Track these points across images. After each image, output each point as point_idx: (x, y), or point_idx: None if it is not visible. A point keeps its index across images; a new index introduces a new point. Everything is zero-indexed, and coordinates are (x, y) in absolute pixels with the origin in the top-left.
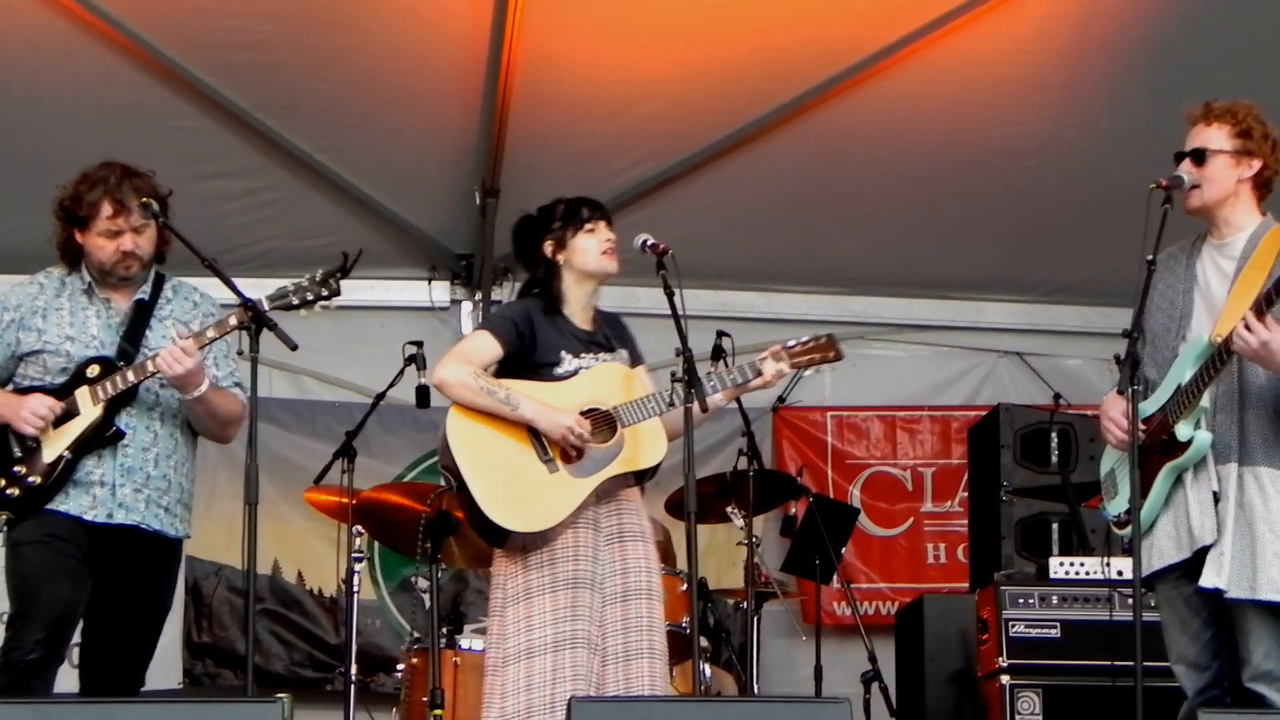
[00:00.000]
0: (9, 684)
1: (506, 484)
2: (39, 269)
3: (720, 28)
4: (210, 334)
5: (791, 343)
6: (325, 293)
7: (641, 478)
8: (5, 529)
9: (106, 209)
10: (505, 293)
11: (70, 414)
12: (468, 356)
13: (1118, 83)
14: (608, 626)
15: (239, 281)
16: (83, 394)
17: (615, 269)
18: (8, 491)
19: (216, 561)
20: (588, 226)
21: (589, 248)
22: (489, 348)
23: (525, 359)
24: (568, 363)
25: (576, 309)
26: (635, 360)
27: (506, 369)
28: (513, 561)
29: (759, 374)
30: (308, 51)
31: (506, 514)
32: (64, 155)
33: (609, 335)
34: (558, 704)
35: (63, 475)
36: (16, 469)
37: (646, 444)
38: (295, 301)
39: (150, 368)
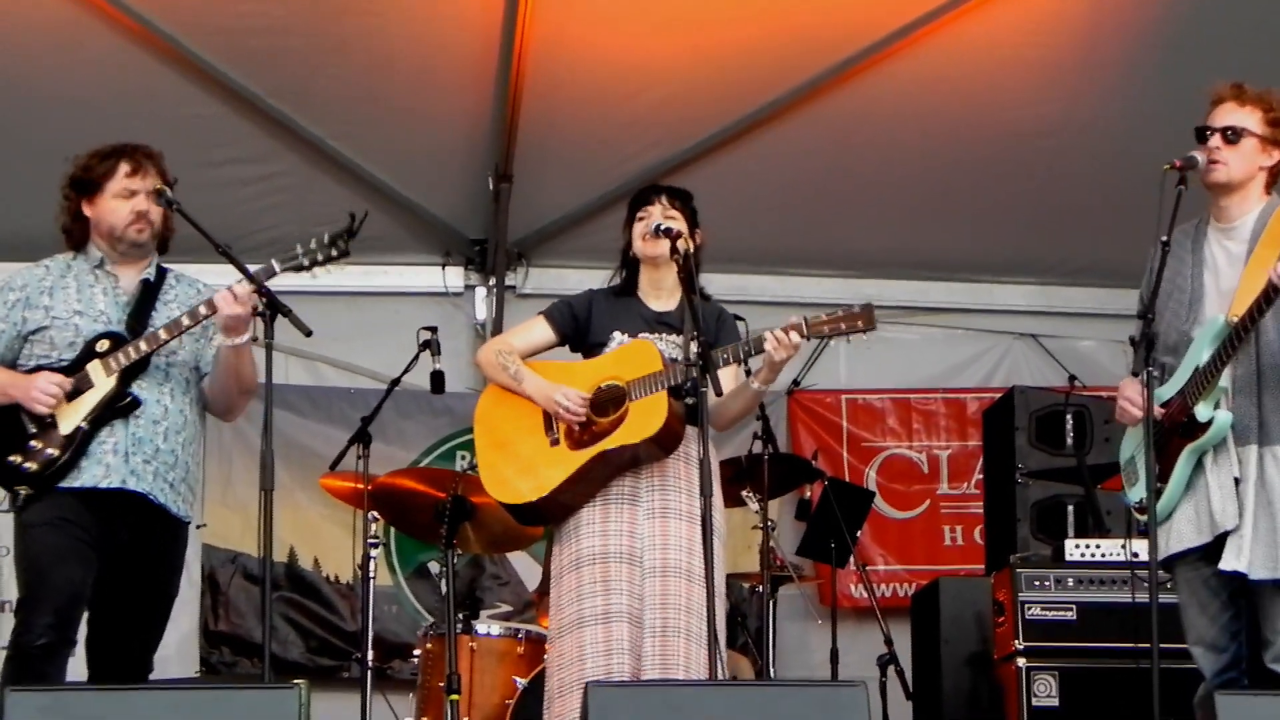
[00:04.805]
0: (20, 670)
1: (508, 458)
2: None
3: (733, 11)
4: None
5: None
6: (334, 253)
7: (662, 451)
8: (21, 507)
9: (125, 167)
10: (519, 278)
11: (82, 389)
12: (508, 337)
13: (1132, 64)
14: (646, 600)
15: (251, 267)
16: (94, 367)
17: (657, 252)
18: (24, 466)
19: (233, 549)
20: (639, 214)
21: (636, 234)
22: (538, 331)
23: (583, 340)
24: (617, 341)
25: (650, 291)
26: (716, 349)
27: (576, 350)
28: (555, 538)
29: (760, 350)
30: (320, 37)
31: (499, 486)
32: (77, 142)
33: (694, 321)
34: (587, 680)
35: (80, 446)
36: (32, 444)
37: (641, 418)
38: (305, 263)
39: (163, 335)
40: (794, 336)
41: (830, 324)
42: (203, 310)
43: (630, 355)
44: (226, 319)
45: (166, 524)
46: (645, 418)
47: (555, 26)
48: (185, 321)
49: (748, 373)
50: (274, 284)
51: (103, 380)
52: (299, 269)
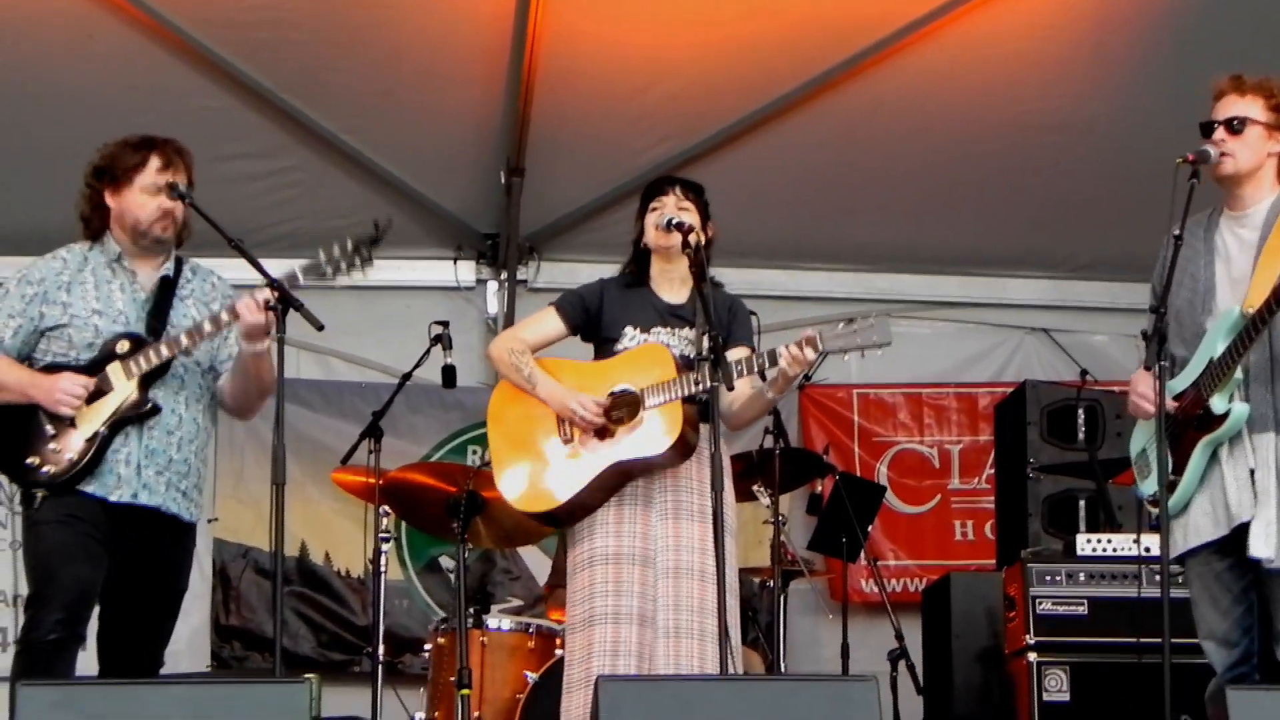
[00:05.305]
0: (30, 666)
1: (522, 460)
2: None
3: (743, 5)
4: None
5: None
6: (358, 260)
7: (678, 459)
8: (35, 507)
9: (156, 162)
10: (531, 272)
11: (101, 391)
12: (520, 331)
13: (1142, 57)
14: (658, 601)
15: (263, 261)
16: (115, 370)
17: (669, 244)
18: (44, 469)
19: (244, 544)
20: (652, 205)
21: (649, 225)
22: (550, 324)
23: (594, 333)
24: (630, 337)
25: (662, 282)
26: (729, 341)
27: (587, 340)
28: (570, 536)
29: (775, 364)
30: (332, 30)
31: (514, 489)
32: (89, 137)
33: (706, 315)
34: (592, 679)
35: (99, 452)
36: (51, 445)
37: (657, 429)
38: (329, 271)
39: (185, 342)
40: (808, 352)
41: (845, 338)
42: (225, 316)
43: (643, 359)
44: (249, 326)
45: (177, 530)
46: (661, 429)
47: (566, 20)
48: (207, 328)
49: (762, 377)
50: (282, 275)
51: (123, 384)
52: (322, 277)
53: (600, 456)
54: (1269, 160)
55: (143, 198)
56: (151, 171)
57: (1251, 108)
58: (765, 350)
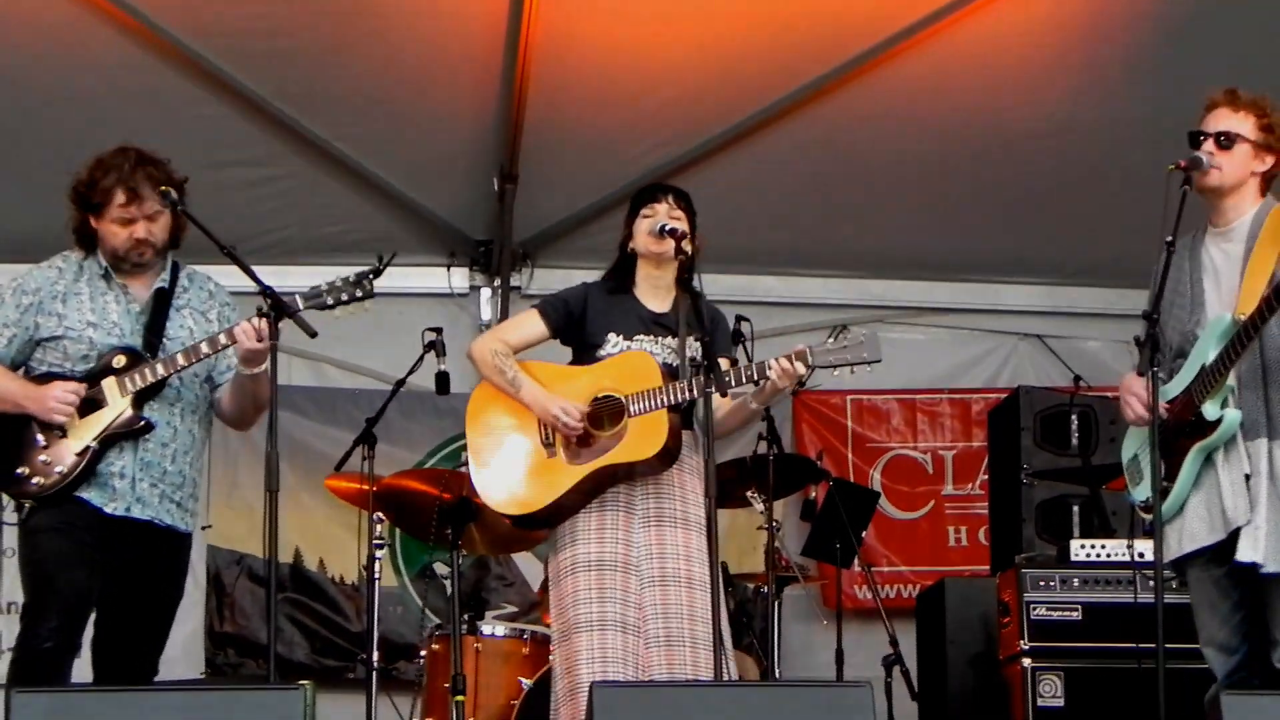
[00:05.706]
0: (26, 673)
1: (503, 464)
2: None
3: (738, 10)
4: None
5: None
6: (359, 293)
7: (661, 466)
8: (24, 516)
9: (119, 197)
10: (524, 278)
11: (95, 404)
12: (502, 333)
13: (1135, 64)
14: (646, 610)
15: (257, 269)
16: (110, 385)
17: (662, 250)
18: (34, 480)
19: (238, 551)
20: (644, 211)
21: (641, 231)
22: (532, 327)
23: (575, 338)
24: (612, 344)
25: (646, 290)
26: (715, 350)
27: (567, 344)
28: (552, 542)
29: (764, 377)
30: (325, 38)
31: (493, 493)
32: (83, 143)
33: (690, 320)
34: (580, 688)
35: (89, 466)
36: (43, 457)
37: (641, 436)
38: (329, 301)
39: (181, 361)
40: (799, 366)
41: (836, 353)
42: (223, 339)
43: (628, 366)
44: (246, 352)
45: (172, 541)
46: (645, 436)
47: (560, 27)
48: (204, 350)
49: (755, 383)
50: (275, 283)
51: (117, 400)
52: (323, 308)
53: (582, 462)
54: (1251, 179)
55: (114, 227)
56: (116, 207)
57: (1243, 125)
58: (755, 362)
